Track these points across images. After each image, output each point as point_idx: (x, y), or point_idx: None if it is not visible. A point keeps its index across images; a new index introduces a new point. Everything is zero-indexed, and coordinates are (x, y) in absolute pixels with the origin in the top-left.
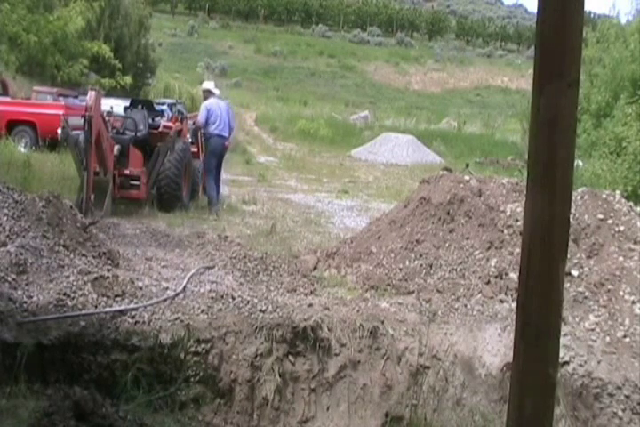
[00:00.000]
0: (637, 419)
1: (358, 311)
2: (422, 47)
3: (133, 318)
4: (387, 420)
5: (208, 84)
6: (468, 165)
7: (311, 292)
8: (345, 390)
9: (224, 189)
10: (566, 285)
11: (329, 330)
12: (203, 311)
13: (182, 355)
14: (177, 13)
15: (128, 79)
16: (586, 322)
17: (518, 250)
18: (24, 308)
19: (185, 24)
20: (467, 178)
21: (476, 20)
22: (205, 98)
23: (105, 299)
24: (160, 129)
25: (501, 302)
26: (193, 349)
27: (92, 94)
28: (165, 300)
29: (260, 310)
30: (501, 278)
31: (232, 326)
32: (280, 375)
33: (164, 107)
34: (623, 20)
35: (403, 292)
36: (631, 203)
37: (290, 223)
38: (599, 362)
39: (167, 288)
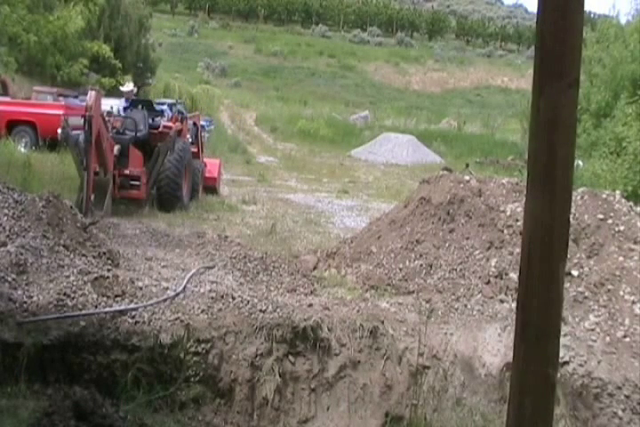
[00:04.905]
0: (637, 419)
1: (358, 311)
2: (422, 47)
3: (133, 318)
4: (387, 420)
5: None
6: (467, 165)
7: (311, 292)
8: (345, 390)
9: (224, 189)
10: (566, 285)
11: (329, 330)
12: (203, 311)
13: (182, 355)
14: (177, 13)
15: (128, 79)
16: (586, 322)
17: (518, 250)
18: (24, 308)
19: (185, 24)
20: (467, 178)
21: (476, 20)
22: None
23: (105, 299)
24: (160, 129)
25: (501, 302)
26: (193, 349)
27: (91, 94)
28: (165, 300)
29: (260, 310)
30: (501, 278)
31: (232, 326)
32: (280, 375)
33: (164, 107)
34: (623, 20)
35: (403, 292)
36: (631, 203)
37: (290, 223)
38: (599, 362)
39: (167, 288)
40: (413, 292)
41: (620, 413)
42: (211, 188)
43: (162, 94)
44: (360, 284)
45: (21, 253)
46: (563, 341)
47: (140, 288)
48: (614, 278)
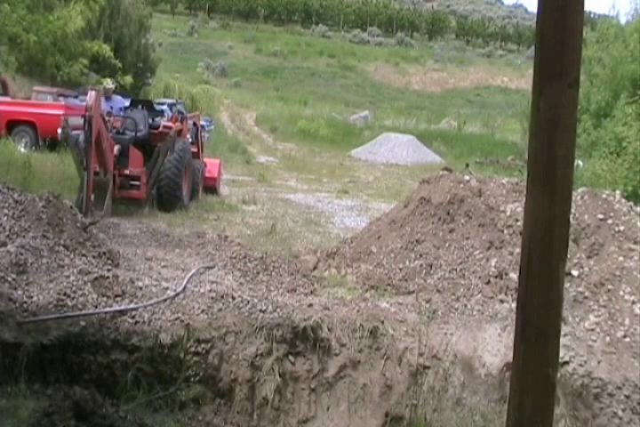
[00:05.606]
0: (637, 419)
1: (358, 311)
2: (422, 47)
3: (133, 318)
4: (387, 420)
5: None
6: (467, 165)
7: (311, 292)
8: (345, 390)
9: (224, 189)
10: (566, 285)
11: (329, 330)
12: (203, 311)
13: (182, 355)
14: (177, 13)
15: (128, 79)
16: (586, 322)
17: (518, 250)
18: (24, 308)
19: (185, 24)
20: (467, 178)
21: (475, 20)
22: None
23: (105, 299)
24: (160, 129)
25: (501, 302)
26: (193, 349)
27: (91, 94)
28: (165, 300)
29: (260, 310)
30: (501, 278)
31: (232, 326)
32: (280, 375)
33: (164, 107)
34: (623, 20)
35: (403, 292)
36: (631, 203)
37: (290, 223)
38: (599, 362)
39: (167, 288)
40: (413, 292)
41: (620, 413)
42: (211, 188)
43: (162, 94)
44: (360, 284)
45: (21, 253)
46: (563, 341)
47: (140, 288)
48: (614, 278)
